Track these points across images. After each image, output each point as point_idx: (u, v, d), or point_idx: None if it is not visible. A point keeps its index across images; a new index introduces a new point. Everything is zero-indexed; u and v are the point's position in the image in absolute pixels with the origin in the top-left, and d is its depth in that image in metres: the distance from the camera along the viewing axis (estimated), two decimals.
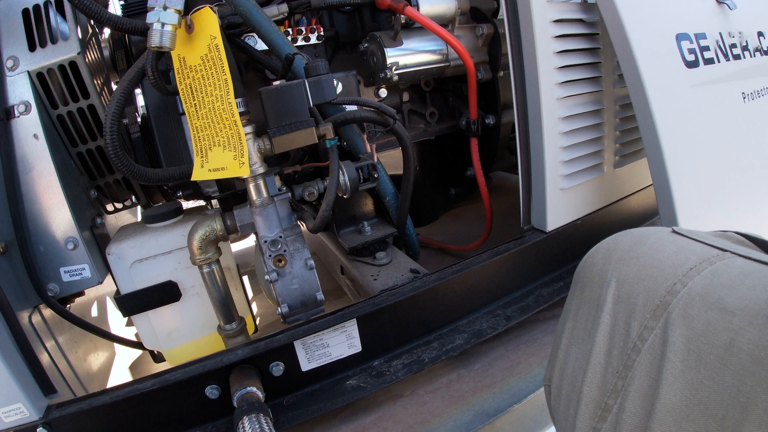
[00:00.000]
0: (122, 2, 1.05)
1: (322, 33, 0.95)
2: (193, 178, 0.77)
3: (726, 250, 0.42)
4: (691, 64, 1.01)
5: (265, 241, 0.79)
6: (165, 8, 0.66)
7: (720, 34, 1.12)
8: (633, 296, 0.44)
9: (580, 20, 0.96)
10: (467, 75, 0.97)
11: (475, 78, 0.98)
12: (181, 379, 0.80)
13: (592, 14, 0.97)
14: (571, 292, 0.60)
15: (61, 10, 0.90)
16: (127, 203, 1.06)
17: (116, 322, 1.21)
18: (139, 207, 1.22)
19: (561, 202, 0.97)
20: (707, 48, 1.07)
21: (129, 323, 1.11)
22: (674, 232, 0.49)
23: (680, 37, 1.01)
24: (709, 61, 1.06)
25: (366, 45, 0.98)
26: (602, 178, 1.04)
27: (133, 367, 1.20)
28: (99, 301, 1.16)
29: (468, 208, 1.25)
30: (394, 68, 0.91)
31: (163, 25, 0.66)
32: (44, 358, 0.87)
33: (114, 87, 1.12)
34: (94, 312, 1.13)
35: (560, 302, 1.02)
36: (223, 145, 0.74)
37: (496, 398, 0.82)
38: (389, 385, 0.84)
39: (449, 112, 1.14)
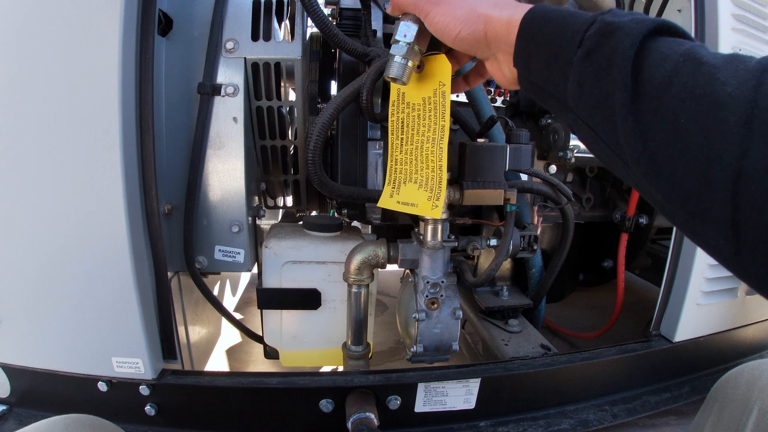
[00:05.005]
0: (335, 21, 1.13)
1: (507, 98, 1.01)
2: (379, 205, 0.81)
3: None
4: None
5: (427, 282, 0.82)
6: (411, 45, 0.71)
7: None
8: None
9: None
10: None
11: None
12: (308, 386, 0.83)
13: None
14: (705, 408, 0.60)
15: (278, 13, 0.93)
16: (279, 203, 1.12)
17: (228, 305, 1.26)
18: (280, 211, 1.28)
19: (693, 317, 0.98)
20: None
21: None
22: None
23: None
24: None
25: (550, 121, 1.02)
26: (734, 302, 1.04)
27: (230, 353, 1.24)
28: (221, 282, 1.21)
29: (580, 295, 1.25)
30: (575, 151, 0.95)
31: (404, 59, 0.70)
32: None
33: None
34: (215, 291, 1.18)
35: (663, 413, 1.01)
36: (419, 183, 0.79)
37: None
38: None
39: (604, 201, 1.17)
